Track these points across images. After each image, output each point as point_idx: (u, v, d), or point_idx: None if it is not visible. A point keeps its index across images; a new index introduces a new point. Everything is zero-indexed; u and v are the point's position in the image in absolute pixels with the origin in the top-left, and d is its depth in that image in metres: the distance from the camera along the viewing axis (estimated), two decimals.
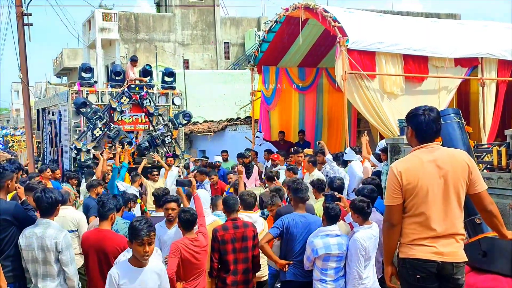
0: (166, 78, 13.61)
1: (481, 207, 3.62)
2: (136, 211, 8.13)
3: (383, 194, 5.29)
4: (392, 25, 10.82)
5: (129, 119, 12.86)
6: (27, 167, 12.26)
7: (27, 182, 6.49)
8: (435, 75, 10.21)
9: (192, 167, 11.65)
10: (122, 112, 12.50)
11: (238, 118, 17.74)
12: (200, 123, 19.10)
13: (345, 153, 8.98)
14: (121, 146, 10.10)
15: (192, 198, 5.49)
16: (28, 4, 12.65)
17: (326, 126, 13.24)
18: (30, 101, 14.16)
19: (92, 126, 12.04)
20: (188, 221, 4.79)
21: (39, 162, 15.23)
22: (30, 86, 13.47)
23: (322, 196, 5.85)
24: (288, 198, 6.09)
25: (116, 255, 4.68)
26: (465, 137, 5.06)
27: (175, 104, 13.58)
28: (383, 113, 9.71)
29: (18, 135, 32.42)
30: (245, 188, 7.30)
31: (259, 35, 23.11)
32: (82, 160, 11.89)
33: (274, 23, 11.69)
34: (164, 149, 13.18)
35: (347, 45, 9.36)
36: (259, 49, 12.53)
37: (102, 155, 9.02)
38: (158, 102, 13.19)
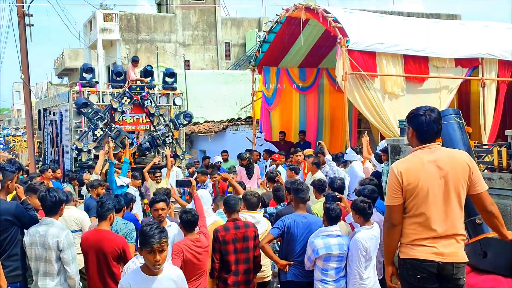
0: (167, 79, 13.60)
1: (482, 207, 3.62)
2: (138, 212, 8.15)
3: (383, 195, 5.30)
4: (393, 26, 10.83)
5: (130, 119, 12.86)
6: (28, 167, 12.28)
7: (29, 182, 6.51)
8: (436, 76, 10.21)
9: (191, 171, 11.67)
10: (123, 112, 12.50)
11: (239, 118, 17.74)
12: (201, 124, 19.11)
13: (346, 153, 8.99)
14: (113, 142, 10.19)
15: (192, 198, 5.50)
16: (29, 5, 12.69)
17: (327, 126, 13.24)
18: (31, 102, 14.20)
19: (93, 127, 12.04)
20: (189, 221, 4.79)
21: (40, 162, 15.21)
22: (31, 86, 13.50)
23: (323, 196, 5.85)
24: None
25: (115, 255, 4.70)
26: (465, 138, 5.05)
27: (176, 105, 13.58)
28: (384, 113, 9.72)
29: (19, 135, 32.48)
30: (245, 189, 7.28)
31: (259, 36, 23.08)
32: (83, 160, 11.89)
33: (275, 23, 11.70)
34: (165, 149, 13.18)
35: (347, 46, 9.38)
36: (260, 49, 12.54)
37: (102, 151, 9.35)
38: (159, 103, 13.19)
